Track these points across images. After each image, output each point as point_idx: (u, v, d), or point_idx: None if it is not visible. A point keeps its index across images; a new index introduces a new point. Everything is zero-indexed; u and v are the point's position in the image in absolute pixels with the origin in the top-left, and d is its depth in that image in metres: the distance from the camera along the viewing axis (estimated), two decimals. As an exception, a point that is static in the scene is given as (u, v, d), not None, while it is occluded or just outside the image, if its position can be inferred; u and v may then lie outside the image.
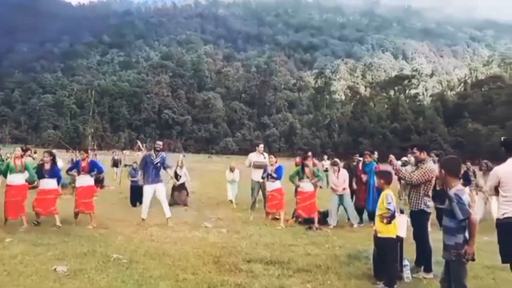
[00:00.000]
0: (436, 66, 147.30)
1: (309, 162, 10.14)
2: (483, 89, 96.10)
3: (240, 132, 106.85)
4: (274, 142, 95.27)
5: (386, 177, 5.32)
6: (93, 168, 9.42)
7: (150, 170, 9.31)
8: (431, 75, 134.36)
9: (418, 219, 5.84)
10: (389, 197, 5.10)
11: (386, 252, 5.13)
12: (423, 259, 5.77)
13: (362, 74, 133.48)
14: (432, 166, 5.82)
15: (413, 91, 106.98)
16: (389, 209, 5.06)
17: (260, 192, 11.02)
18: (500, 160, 5.52)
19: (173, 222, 9.28)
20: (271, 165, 9.97)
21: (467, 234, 3.83)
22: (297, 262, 6.20)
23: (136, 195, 12.59)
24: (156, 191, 9.34)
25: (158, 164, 9.34)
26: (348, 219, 10.00)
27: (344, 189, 9.87)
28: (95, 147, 18.50)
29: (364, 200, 9.94)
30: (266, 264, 6.11)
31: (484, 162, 9.96)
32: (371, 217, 9.47)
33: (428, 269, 5.70)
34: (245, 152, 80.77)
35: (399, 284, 5.25)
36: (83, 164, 9.26)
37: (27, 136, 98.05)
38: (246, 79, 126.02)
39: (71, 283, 5.07)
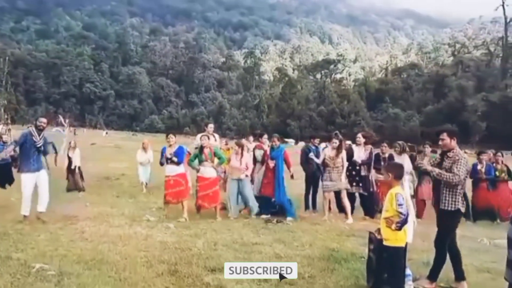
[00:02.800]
0: (359, 52, 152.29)
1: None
2: (402, 76, 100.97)
3: (167, 109, 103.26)
4: (202, 121, 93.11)
5: (396, 170, 4.36)
6: None
7: (31, 154, 7.35)
8: (355, 61, 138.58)
9: (451, 221, 4.92)
10: (400, 198, 4.15)
11: (393, 263, 4.23)
12: (435, 267, 4.90)
13: (290, 56, 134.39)
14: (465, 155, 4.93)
15: (338, 76, 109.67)
16: (400, 213, 4.12)
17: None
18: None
19: (47, 217, 7.44)
20: (170, 146, 8.39)
21: None
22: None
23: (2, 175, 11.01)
24: (37, 180, 7.38)
25: (41, 147, 7.46)
26: (245, 206, 8.93)
27: (247, 175, 8.73)
28: (9, 120, 15.99)
29: (271, 188, 8.70)
30: (236, 274, 4.98)
31: (399, 143, 9.59)
32: (282, 210, 8.64)
33: (434, 278, 4.85)
34: (171, 130, 78.90)
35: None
36: None
37: None
38: (173, 55, 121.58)
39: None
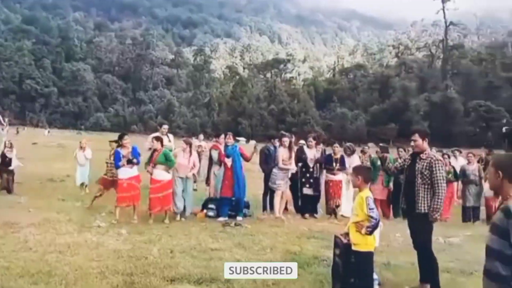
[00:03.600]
0: (308, 52, 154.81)
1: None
2: (349, 76, 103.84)
3: (113, 107, 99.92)
4: (150, 119, 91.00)
5: (365, 173, 4.26)
6: None
7: None
8: (304, 61, 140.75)
9: (424, 223, 4.84)
10: (370, 201, 4.05)
11: (363, 268, 4.13)
12: (431, 274, 4.77)
13: (240, 55, 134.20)
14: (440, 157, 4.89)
15: (288, 75, 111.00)
16: (371, 217, 4.02)
17: None
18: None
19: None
20: (123, 147, 8.11)
21: None
22: (238, 279, 4.89)
23: None
24: None
25: None
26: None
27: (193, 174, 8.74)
28: None
29: (231, 188, 8.48)
30: (197, 283, 4.71)
31: (347, 146, 9.82)
32: (238, 207, 8.56)
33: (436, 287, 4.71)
34: (117, 129, 76.19)
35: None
36: None
37: None
38: (120, 51, 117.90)
39: None
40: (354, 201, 4.32)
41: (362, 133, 72.91)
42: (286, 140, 8.74)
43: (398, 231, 7.34)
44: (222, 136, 9.43)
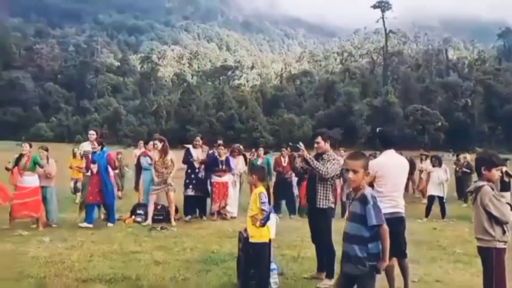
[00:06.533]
0: (256, 59, 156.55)
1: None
2: (296, 83, 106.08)
3: (56, 117, 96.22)
4: (96, 128, 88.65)
5: (259, 172, 4.67)
6: None
7: None
8: (252, 68, 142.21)
9: (324, 218, 5.28)
10: (262, 196, 4.47)
11: (259, 259, 4.51)
12: (328, 264, 5.18)
13: (188, 62, 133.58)
14: (339, 158, 5.34)
15: (236, 82, 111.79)
16: (263, 210, 4.43)
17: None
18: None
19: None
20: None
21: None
22: (147, 276, 5.17)
23: None
24: None
25: None
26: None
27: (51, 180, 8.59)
28: None
29: (98, 194, 8.36)
30: (109, 282, 4.93)
31: (236, 148, 10.58)
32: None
33: (331, 275, 5.08)
34: (60, 138, 73.51)
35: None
36: None
37: None
38: (63, 59, 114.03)
39: None
40: (250, 198, 4.72)
41: (308, 138, 74.47)
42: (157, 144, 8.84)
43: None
44: (151, 142, 9.63)
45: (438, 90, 76.90)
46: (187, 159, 9.27)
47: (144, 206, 8.90)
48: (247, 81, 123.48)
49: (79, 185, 10.80)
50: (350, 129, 73.55)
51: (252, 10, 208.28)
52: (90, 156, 8.57)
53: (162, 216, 8.80)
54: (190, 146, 9.64)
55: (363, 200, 3.31)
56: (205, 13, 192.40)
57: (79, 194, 10.48)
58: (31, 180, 7.97)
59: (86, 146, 9.31)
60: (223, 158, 9.45)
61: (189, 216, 9.14)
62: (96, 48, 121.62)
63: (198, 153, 9.33)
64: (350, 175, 3.38)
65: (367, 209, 3.25)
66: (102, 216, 8.87)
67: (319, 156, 5.41)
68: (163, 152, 8.73)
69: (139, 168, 9.71)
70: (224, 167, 9.35)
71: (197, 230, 8.05)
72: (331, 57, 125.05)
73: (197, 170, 9.21)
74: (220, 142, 10.21)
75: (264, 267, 4.56)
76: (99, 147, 8.57)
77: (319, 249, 5.40)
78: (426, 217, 10.46)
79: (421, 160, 14.90)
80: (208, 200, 9.62)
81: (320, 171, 5.17)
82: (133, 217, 8.82)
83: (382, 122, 69.55)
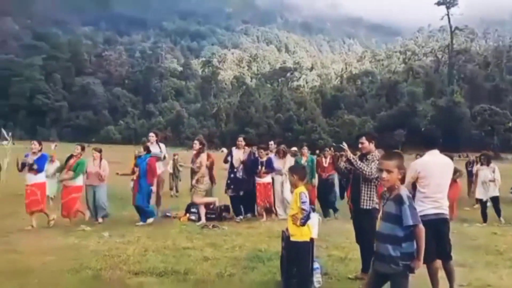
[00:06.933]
0: (315, 60, 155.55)
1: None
2: (357, 83, 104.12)
3: (123, 120, 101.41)
4: (160, 131, 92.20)
5: (299, 172, 4.72)
6: None
7: None
8: (311, 69, 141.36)
9: (369, 218, 5.26)
10: (303, 196, 4.52)
11: (300, 257, 4.57)
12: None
13: (248, 65, 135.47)
14: None
15: (295, 83, 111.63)
16: (303, 209, 4.48)
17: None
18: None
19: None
20: (33, 153, 8.36)
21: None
22: (195, 271, 5.38)
23: None
24: None
25: None
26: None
27: (102, 180, 9.08)
28: None
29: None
30: (159, 276, 5.20)
31: (280, 148, 10.26)
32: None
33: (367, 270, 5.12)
34: (128, 141, 77.12)
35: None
36: None
37: None
38: (129, 65, 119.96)
39: None
40: (291, 198, 4.78)
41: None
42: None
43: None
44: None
45: (509, 88, 72.32)
46: (226, 160, 9.46)
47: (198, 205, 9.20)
48: (306, 82, 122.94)
49: None
50: (414, 130, 70.73)
51: (312, 11, 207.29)
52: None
53: (215, 215, 9.09)
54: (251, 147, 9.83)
55: (399, 200, 3.30)
56: (264, 16, 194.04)
57: None
58: (73, 180, 8.55)
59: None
60: (264, 159, 9.45)
61: (240, 217, 9.31)
62: (160, 54, 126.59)
63: (239, 154, 9.40)
64: (384, 175, 3.39)
65: (403, 209, 3.25)
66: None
67: (363, 157, 5.38)
68: (198, 154, 9.00)
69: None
70: (264, 168, 9.32)
71: (247, 229, 8.21)
72: (393, 56, 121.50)
73: (235, 170, 9.31)
74: (272, 143, 10.31)
75: (305, 265, 4.60)
76: (144, 152, 8.98)
77: (363, 250, 5.35)
78: (484, 222, 9.94)
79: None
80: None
81: (364, 172, 5.14)
82: (187, 215, 9.16)
83: (447, 123, 66.63)
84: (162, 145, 10.56)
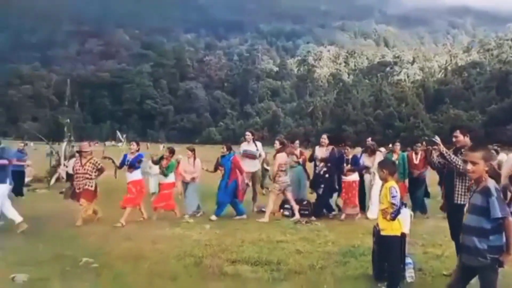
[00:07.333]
0: (417, 53, 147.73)
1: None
2: (463, 75, 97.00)
3: (223, 121, 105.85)
4: (257, 131, 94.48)
5: (389, 167, 4.73)
6: None
7: None
8: (412, 62, 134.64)
9: (463, 214, 5.20)
10: (393, 190, 4.53)
11: (390, 252, 4.58)
12: None
13: (345, 61, 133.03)
14: None
15: (395, 78, 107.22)
16: (394, 204, 4.49)
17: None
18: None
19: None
20: (131, 153, 8.87)
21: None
22: (288, 262, 5.63)
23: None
24: None
25: None
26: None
27: (193, 178, 9.43)
28: (72, 138, 17.68)
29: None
30: (254, 265, 5.53)
31: (369, 145, 9.81)
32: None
33: None
34: (227, 141, 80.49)
35: (402, 285, 4.73)
36: None
37: (5, 128, 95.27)
38: (228, 68, 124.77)
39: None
40: (381, 192, 4.79)
41: (479, 135, 67.53)
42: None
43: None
44: (297, 142, 10.21)
45: None
46: (312, 158, 9.53)
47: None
48: (408, 77, 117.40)
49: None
50: (529, 124, 64.57)
51: (411, 3, 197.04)
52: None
53: (308, 211, 9.27)
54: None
55: (486, 193, 3.24)
56: (361, 11, 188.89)
57: None
58: (166, 178, 9.22)
59: (244, 146, 10.30)
60: (350, 156, 9.37)
61: (333, 213, 9.42)
62: (257, 56, 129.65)
63: (322, 152, 9.36)
64: (469, 166, 3.32)
65: (490, 202, 3.18)
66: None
67: (458, 151, 5.20)
68: (277, 153, 9.21)
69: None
70: (349, 165, 9.23)
71: (340, 226, 8.29)
72: (504, 45, 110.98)
73: (318, 168, 9.29)
74: (371, 141, 10.19)
75: (395, 260, 4.60)
76: (227, 151, 9.38)
77: (458, 246, 5.17)
78: None
79: None
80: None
81: (458, 166, 4.97)
82: (281, 211, 9.47)
83: None
84: (259, 144, 10.93)
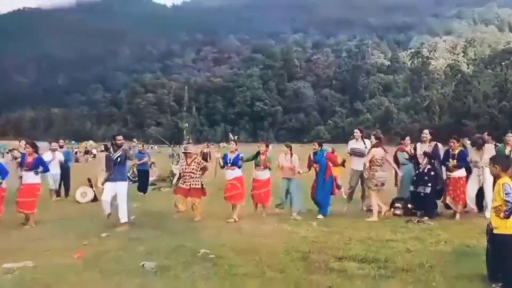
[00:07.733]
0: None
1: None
2: None
3: (332, 119, 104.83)
4: (368, 128, 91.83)
5: (502, 162, 4.47)
6: (38, 165, 8.94)
7: (111, 166, 8.51)
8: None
9: None
10: (507, 187, 4.27)
11: (505, 251, 4.33)
12: None
13: (463, 51, 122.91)
14: None
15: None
16: (507, 201, 4.24)
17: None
18: None
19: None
20: (231, 152, 9.23)
21: None
22: (396, 260, 5.57)
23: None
24: (116, 190, 8.33)
25: (118, 159, 8.40)
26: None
27: (294, 173, 9.24)
28: (190, 141, 19.36)
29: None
30: (360, 262, 5.56)
31: (476, 138, 8.83)
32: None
33: None
34: (337, 139, 79.29)
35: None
36: (29, 159, 8.95)
37: (133, 133, 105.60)
38: (336, 65, 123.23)
39: (156, 280, 5.01)
40: (494, 189, 4.52)
41: None
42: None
43: None
44: (407, 138, 9.88)
45: None
46: (395, 158, 9.34)
47: (402, 200, 9.20)
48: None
49: (339, 181, 11.73)
50: None
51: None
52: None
53: (400, 209, 9.00)
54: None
55: None
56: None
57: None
58: (262, 174, 9.37)
59: (352, 144, 10.28)
60: (456, 151, 8.74)
61: (437, 211, 9.08)
62: (366, 51, 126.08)
63: (423, 148, 9.06)
64: None
65: None
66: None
67: None
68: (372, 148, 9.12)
69: (396, 164, 10.01)
70: (455, 161, 8.66)
71: (454, 225, 7.89)
72: None
73: (422, 165, 8.99)
74: (479, 135, 9.48)
75: (510, 259, 4.33)
76: (319, 148, 9.43)
77: None
78: None
79: None
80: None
81: None
82: (392, 209, 9.24)
83: None
84: (368, 141, 10.80)
